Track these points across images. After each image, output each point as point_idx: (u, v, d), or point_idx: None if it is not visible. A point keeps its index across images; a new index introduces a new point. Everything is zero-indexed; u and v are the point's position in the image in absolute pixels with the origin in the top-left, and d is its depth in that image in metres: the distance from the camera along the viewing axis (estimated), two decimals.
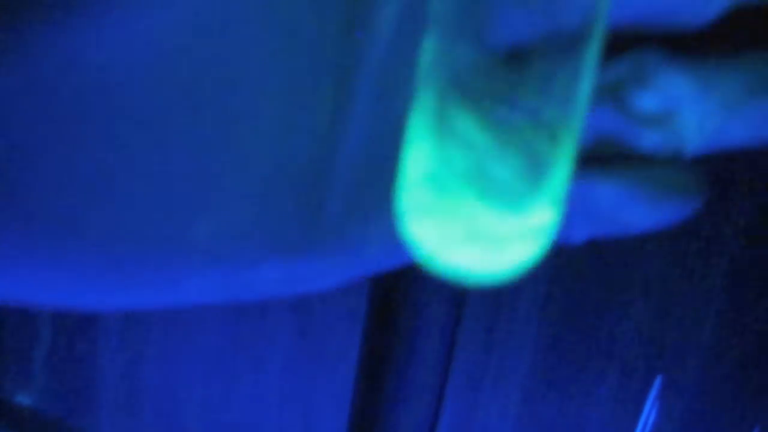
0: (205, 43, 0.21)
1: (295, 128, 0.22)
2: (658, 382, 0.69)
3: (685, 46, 0.27)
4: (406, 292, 0.66)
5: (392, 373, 0.70)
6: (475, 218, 0.22)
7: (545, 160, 0.23)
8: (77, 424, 0.74)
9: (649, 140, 0.27)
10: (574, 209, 0.26)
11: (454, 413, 0.70)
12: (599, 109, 0.26)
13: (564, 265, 0.67)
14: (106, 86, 0.20)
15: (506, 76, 0.22)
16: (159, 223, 0.21)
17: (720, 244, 0.66)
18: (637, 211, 0.27)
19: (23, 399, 0.72)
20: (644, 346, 0.69)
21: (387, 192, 0.23)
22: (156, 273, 0.22)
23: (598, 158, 0.27)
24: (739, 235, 0.67)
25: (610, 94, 0.26)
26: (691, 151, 0.28)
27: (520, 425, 0.71)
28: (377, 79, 0.23)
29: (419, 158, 0.22)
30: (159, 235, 0.21)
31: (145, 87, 0.20)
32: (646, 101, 0.26)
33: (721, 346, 0.69)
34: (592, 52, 0.23)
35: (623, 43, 0.27)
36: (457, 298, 0.68)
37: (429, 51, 0.22)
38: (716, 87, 0.27)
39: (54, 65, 0.20)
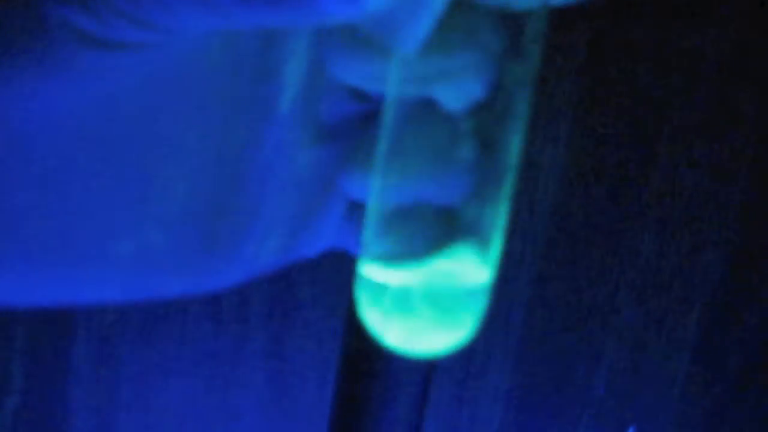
0: (133, 99, 0.25)
1: (205, 170, 0.27)
2: None
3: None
4: (378, 343, 0.66)
5: (365, 423, 0.70)
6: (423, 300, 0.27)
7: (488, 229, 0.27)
8: None
9: None
10: None
11: None
12: None
13: (537, 317, 0.67)
14: (53, 129, 0.25)
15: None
16: (90, 242, 0.26)
17: (690, 298, 0.67)
18: None
19: None
20: (617, 397, 0.69)
21: (282, 215, 0.28)
22: (86, 280, 0.27)
23: None
24: (709, 290, 0.68)
25: None
26: None
27: None
28: (284, 126, 0.27)
29: (374, 249, 0.28)
30: (89, 250, 0.26)
31: (82, 133, 0.25)
32: None
33: (693, 397, 0.70)
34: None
35: None
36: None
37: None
38: None
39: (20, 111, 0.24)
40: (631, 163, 0.64)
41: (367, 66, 0.26)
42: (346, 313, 0.67)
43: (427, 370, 0.68)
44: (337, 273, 0.66)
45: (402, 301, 0.29)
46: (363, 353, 0.68)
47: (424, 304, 0.29)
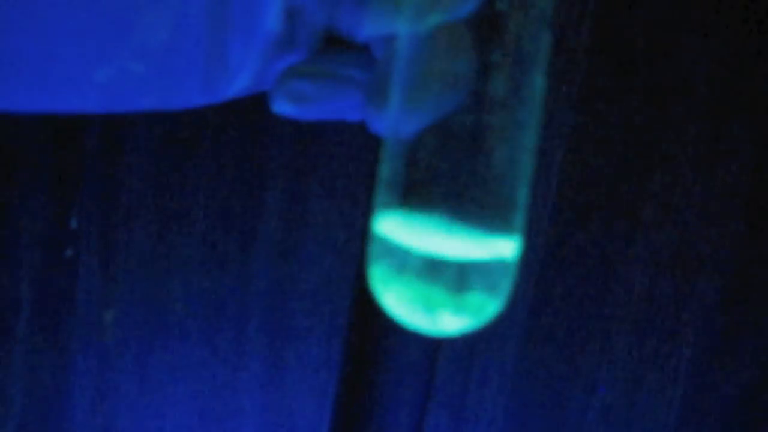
0: None
1: (192, 8, 0.28)
2: None
3: None
4: (374, 372, 0.66)
5: None
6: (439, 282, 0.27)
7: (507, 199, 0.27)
8: None
9: None
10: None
11: None
12: None
13: (531, 348, 0.67)
14: None
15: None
16: (70, 66, 0.28)
17: (684, 329, 0.68)
18: None
19: None
20: (611, 428, 0.69)
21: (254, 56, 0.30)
22: (67, 97, 0.29)
23: None
24: (702, 322, 0.68)
25: None
26: None
27: None
28: None
29: (387, 224, 0.28)
30: (70, 73, 0.28)
31: None
32: None
33: (688, 428, 0.70)
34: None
35: None
36: (424, 386, 0.68)
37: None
38: None
39: None
40: (624, 196, 0.64)
41: (378, 26, 0.28)
42: (342, 342, 0.68)
43: (424, 398, 0.69)
44: (333, 301, 0.67)
45: (416, 268, 0.28)
46: (359, 381, 0.68)
47: (437, 275, 0.28)
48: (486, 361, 0.68)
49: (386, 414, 0.68)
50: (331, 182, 0.64)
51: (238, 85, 0.30)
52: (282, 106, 0.30)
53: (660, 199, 0.64)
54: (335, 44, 0.30)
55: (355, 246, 0.65)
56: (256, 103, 0.62)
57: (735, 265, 0.66)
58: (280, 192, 0.64)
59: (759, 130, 0.64)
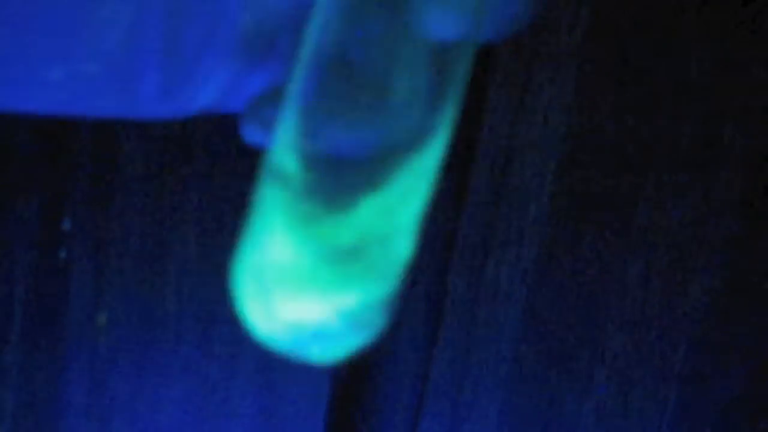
0: None
1: (152, 8, 0.27)
2: None
3: None
4: (369, 372, 0.66)
5: None
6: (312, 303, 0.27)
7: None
8: None
9: None
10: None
11: None
12: None
13: (526, 349, 0.68)
14: None
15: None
16: (20, 65, 0.28)
17: (677, 330, 0.68)
18: None
19: None
20: (606, 425, 0.69)
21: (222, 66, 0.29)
22: (20, 96, 0.29)
23: None
24: (695, 322, 0.68)
25: None
26: None
27: None
28: None
29: (266, 245, 0.27)
30: (20, 72, 0.28)
31: None
32: None
33: (682, 428, 0.70)
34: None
35: None
36: (419, 386, 0.68)
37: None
38: None
39: None
40: (618, 198, 0.64)
41: None
42: None
43: (419, 399, 0.69)
44: None
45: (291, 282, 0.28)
46: (354, 382, 0.68)
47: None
48: (481, 361, 0.68)
49: (381, 414, 0.68)
50: None
51: (205, 95, 0.29)
52: (252, 133, 0.30)
53: (654, 200, 0.64)
54: None
55: None
56: None
57: (729, 266, 0.66)
58: None
59: (752, 132, 0.64)
